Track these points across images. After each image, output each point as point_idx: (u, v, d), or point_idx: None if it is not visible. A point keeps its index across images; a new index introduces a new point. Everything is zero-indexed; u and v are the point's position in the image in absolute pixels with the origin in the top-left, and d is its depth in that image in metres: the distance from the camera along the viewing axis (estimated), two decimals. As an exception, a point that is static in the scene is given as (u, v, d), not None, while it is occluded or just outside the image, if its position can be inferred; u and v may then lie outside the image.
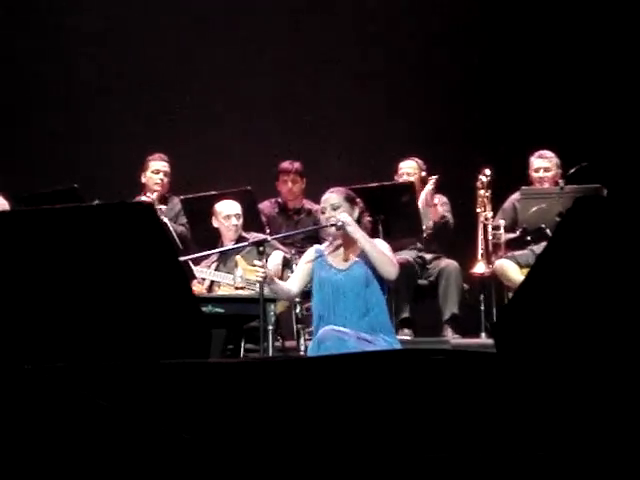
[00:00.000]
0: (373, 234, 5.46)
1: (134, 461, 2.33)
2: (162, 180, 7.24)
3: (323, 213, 5.23)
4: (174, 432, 2.34)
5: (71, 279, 2.81)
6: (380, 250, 5.11)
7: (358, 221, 5.20)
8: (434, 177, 7.03)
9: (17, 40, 8.31)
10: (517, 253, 6.78)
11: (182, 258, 5.72)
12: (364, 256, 5.11)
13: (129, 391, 2.40)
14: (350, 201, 5.22)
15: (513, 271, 6.69)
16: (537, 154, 7.07)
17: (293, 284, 5.30)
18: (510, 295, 6.63)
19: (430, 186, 6.99)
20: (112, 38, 8.37)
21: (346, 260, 5.17)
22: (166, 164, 7.27)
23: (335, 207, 5.17)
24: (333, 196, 5.24)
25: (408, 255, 6.96)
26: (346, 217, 5.10)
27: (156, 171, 7.25)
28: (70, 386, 2.40)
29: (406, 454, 2.31)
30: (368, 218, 5.34)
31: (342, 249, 5.21)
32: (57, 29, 8.35)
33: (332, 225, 5.16)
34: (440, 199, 7.15)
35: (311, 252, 5.31)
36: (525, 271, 6.35)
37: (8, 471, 2.34)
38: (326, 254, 5.23)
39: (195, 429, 2.36)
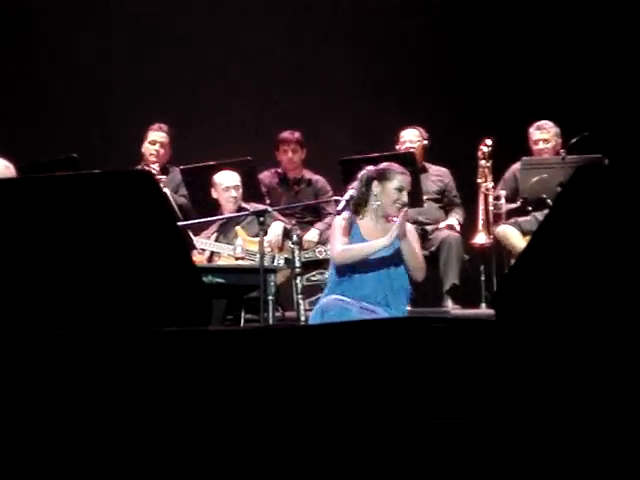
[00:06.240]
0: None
1: (134, 428, 2.34)
2: (157, 151, 7.16)
3: (400, 191, 5.21)
4: (174, 399, 2.34)
5: (71, 248, 2.80)
6: (418, 256, 5.19)
7: None
8: None
9: (21, 8, 8.27)
10: (520, 219, 6.79)
11: (181, 223, 5.72)
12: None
13: (130, 358, 2.41)
14: None
15: (515, 237, 6.70)
16: (535, 125, 7.04)
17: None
18: (512, 262, 6.64)
19: None
20: (115, 5, 8.33)
21: (380, 236, 5.18)
22: (164, 135, 7.21)
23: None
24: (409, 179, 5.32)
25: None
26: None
27: (153, 142, 7.19)
28: (71, 354, 2.40)
29: (407, 421, 2.31)
30: None
31: (379, 224, 5.22)
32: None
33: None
34: (442, 177, 7.16)
35: (342, 218, 5.29)
36: (528, 238, 6.35)
37: (9, 435, 2.34)
38: (358, 223, 5.24)
39: (196, 396, 2.36)
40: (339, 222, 5.24)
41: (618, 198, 2.61)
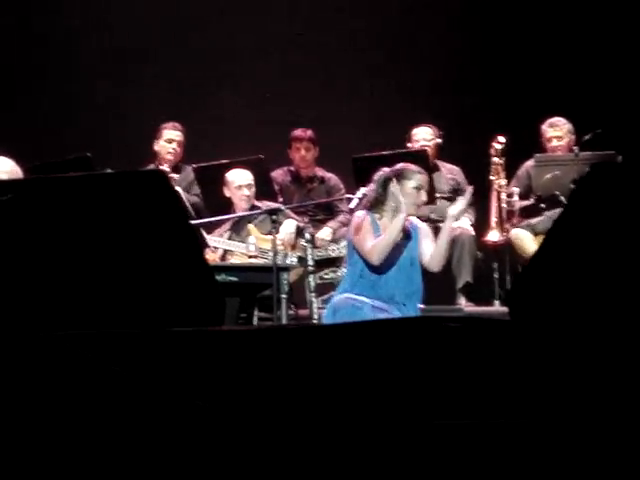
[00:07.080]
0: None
1: (146, 429, 2.34)
2: (175, 150, 7.20)
3: (418, 190, 5.22)
4: (187, 400, 2.34)
5: (84, 248, 2.81)
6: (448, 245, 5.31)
7: None
8: None
9: (32, 6, 8.28)
10: (533, 221, 6.77)
11: (194, 222, 5.73)
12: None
13: (143, 358, 2.41)
14: None
15: (528, 241, 6.68)
16: (548, 123, 7.02)
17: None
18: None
19: None
20: (127, 6, 8.34)
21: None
22: (180, 133, 7.23)
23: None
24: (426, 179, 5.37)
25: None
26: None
27: (169, 140, 7.21)
28: (83, 354, 2.40)
29: (420, 421, 2.31)
30: None
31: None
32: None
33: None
34: (454, 175, 7.15)
35: (363, 214, 5.28)
36: (541, 239, 6.34)
37: (21, 434, 2.35)
38: (378, 220, 5.24)
39: (208, 396, 2.36)
40: (364, 220, 5.21)
41: (632, 195, 2.60)
